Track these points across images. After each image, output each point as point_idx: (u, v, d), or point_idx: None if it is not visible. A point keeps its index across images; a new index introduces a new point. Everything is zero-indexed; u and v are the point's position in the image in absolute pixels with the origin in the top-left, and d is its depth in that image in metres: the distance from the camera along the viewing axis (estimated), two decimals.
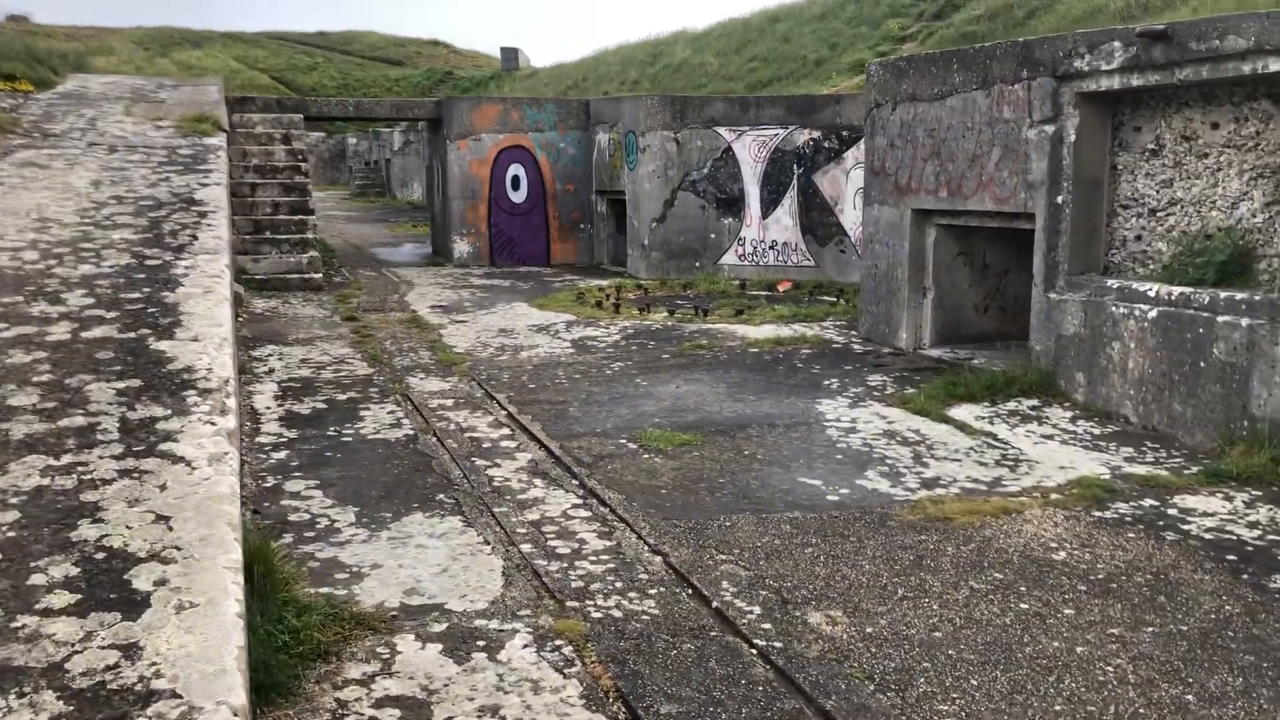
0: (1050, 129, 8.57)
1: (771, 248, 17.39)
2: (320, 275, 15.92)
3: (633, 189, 17.84)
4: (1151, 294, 7.67)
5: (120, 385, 4.77)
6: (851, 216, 16.66)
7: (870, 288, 11.09)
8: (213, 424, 4.50)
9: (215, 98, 12.78)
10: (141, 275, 6.34)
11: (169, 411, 4.59)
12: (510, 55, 58.31)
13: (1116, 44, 7.88)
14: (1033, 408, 8.34)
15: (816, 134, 16.98)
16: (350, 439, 7.56)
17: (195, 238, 7.18)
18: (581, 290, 15.32)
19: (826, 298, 15.06)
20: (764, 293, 15.74)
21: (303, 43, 65.06)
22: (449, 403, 8.70)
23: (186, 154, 9.79)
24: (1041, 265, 8.73)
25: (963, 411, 8.22)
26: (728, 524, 5.80)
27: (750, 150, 17.32)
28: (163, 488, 3.85)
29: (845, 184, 16.73)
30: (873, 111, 10.93)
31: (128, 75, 16.15)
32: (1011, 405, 8.40)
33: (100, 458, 4.11)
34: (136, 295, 5.94)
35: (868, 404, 8.53)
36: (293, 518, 5.90)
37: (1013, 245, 10.52)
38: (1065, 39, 8.42)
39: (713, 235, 17.54)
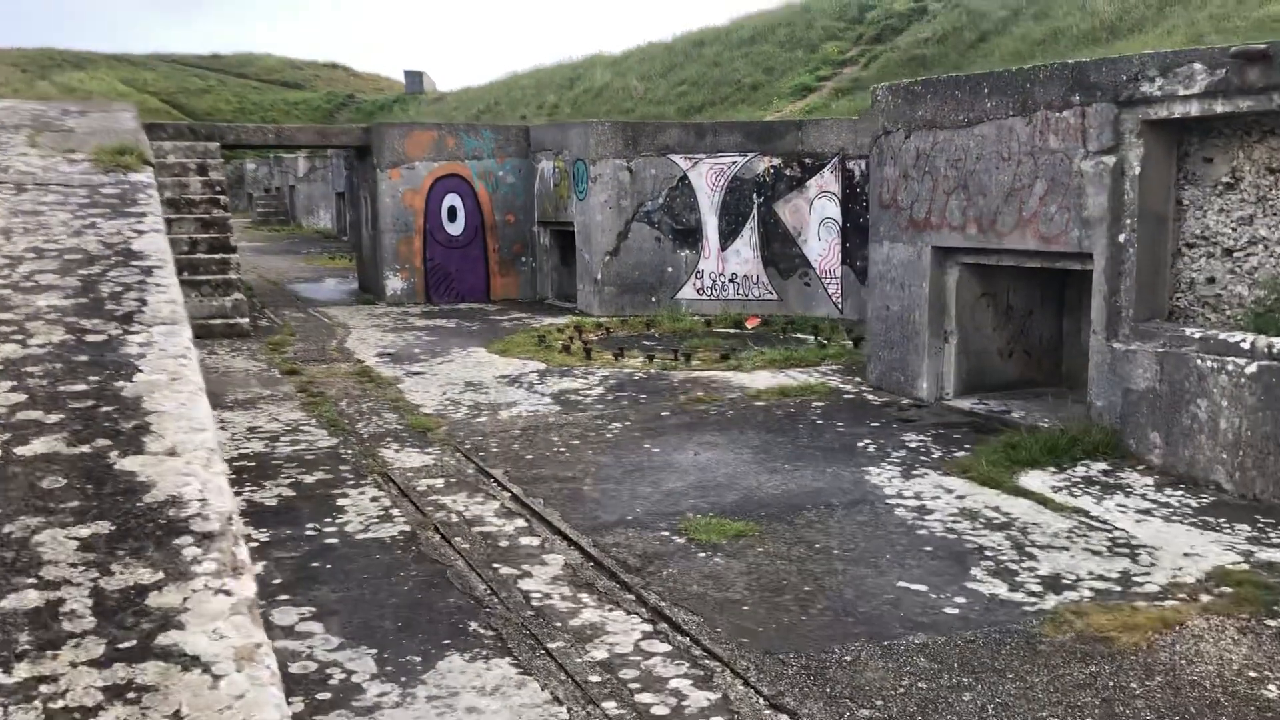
0: (1110, 160, 7.71)
1: (731, 281, 16.40)
2: (247, 320, 14.39)
3: (583, 220, 16.69)
4: (1247, 346, 6.82)
5: (84, 533, 3.43)
6: (816, 248, 15.79)
7: (880, 331, 10.13)
8: (227, 592, 3.20)
9: (132, 125, 11.25)
10: (83, 357, 4.96)
11: (160, 574, 3.27)
12: (415, 79, 56.77)
13: (1198, 66, 7.04)
14: (1105, 473, 7.42)
15: (777, 161, 16.07)
16: (335, 540, 6.25)
17: (143, 302, 5.80)
18: (539, 331, 14.09)
19: (800, 335, 14.10)
20: (732, 330, 14.72)
21: (195, 65, 62.45)
22: (439, 483, 7.42)
23: (111, 193, 8.33)
24: (1103, 311, 7.85)
25: (1033, 480, 7.26)
26: (848, 658, 4.68)
27: (707, 179, 16.33)
28: None
29: (809, 213, 15.85)
30: (880, 139, 10.00)
31: (24, 99, 14.41)
32: (1081, 470, 7.47)
33: (74, 666, 2.80)
34: (82, 388, 4.57)
35: (922, 472, 7.51)
36: (295, 668, 4.60)
37: (1036, 284, 9.68)
38: (1129, 61, 7.57)
39: (669, 269, 16.48)
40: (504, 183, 18.41)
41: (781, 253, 16.13)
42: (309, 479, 7.50)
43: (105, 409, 4.39)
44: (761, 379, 10.79)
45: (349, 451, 8.26)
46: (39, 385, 4.57)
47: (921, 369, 9.64)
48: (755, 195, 16.21)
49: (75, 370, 4.78)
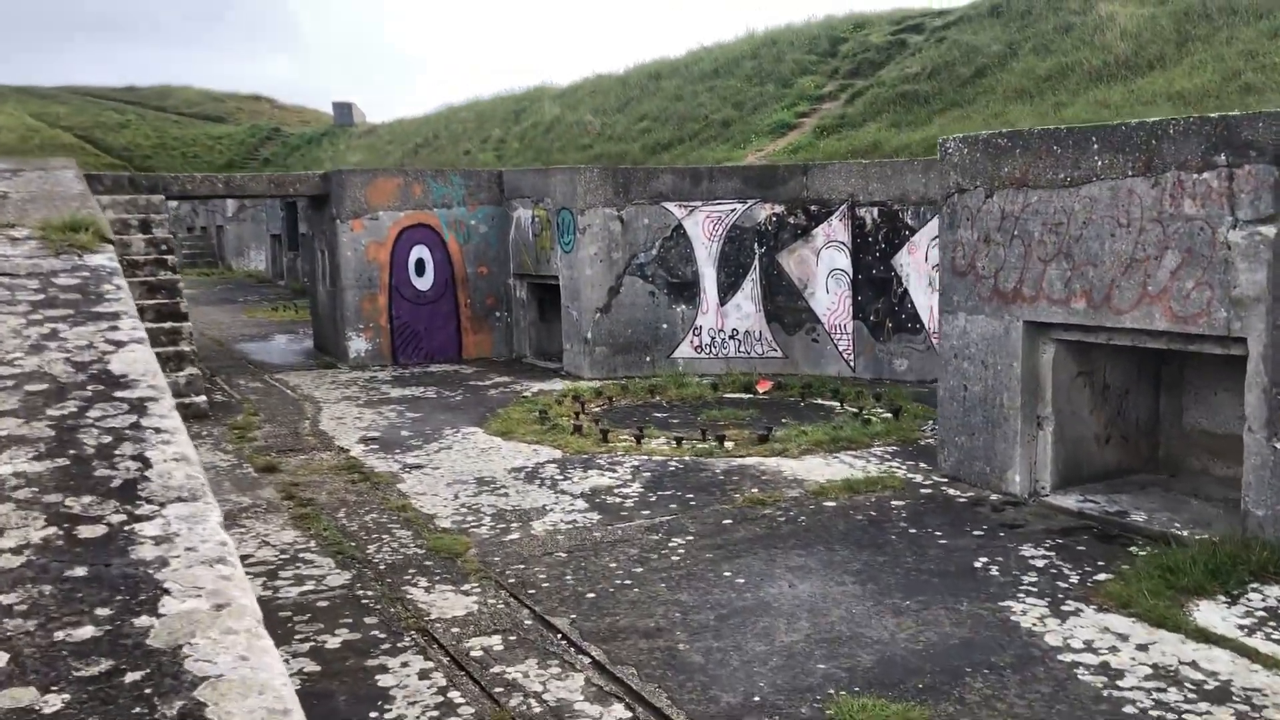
0: (1269, 231, 6.62)
1: (732, 337, 15.18)
2: (204, 399, 12.75)
3: (570, 274, 15.34)
4: None
5: None
6: (824, 301, 14.65)
7: (957, 414, 8.94)
8: None
9: (78, 189, 9.63)
10: (80, 571, 3.49)
11: None
12: (344, 110, 54.96)
13: None
14: None
15: (779, 209, 14.92)
16: None
17: (145, 462, 4.34)
18: (536, 404, 12.68)
19: (822, 401, 12.90)
20: (743, 394, 13.47)
21: (110, 98, 59.83)
22: (495, 643, 6.00)
23: (69, 284, 6.79)
24: (1262, 406, 6.74)
25: (1211, 616, 6.09)
26: None
27: (704, 228, 15.12)
28: None
29: (816, 264, 14.71)
30: (954, 198, 8.84)
31: None
32: (1257, 599, 6.33)
33: None
34: (89, 633, 3.10)
35: (1073, 606, 6.30)
36: None
37: (1133, 360, 8.59)
38: None
39: (664, 325, 15.21)
40: (476, 232, 17.00)
41: (786, 306, 14.96)
42: (332, 642, 6.03)
43: (129, 678, 2.92)
44: (815, 468, 9.53)
45: (369, 593, 6.80)
46: (25, 640, 3.10)
47: (1013, 459, 8.46)
48: (756, 245, 15.04)
49: (72, 599, 3.28)
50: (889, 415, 11.53)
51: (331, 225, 16.33)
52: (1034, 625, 6.06)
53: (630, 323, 15.11)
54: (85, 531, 3.80)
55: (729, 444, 10.42)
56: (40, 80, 71.36)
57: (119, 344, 5.78)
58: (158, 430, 4.68)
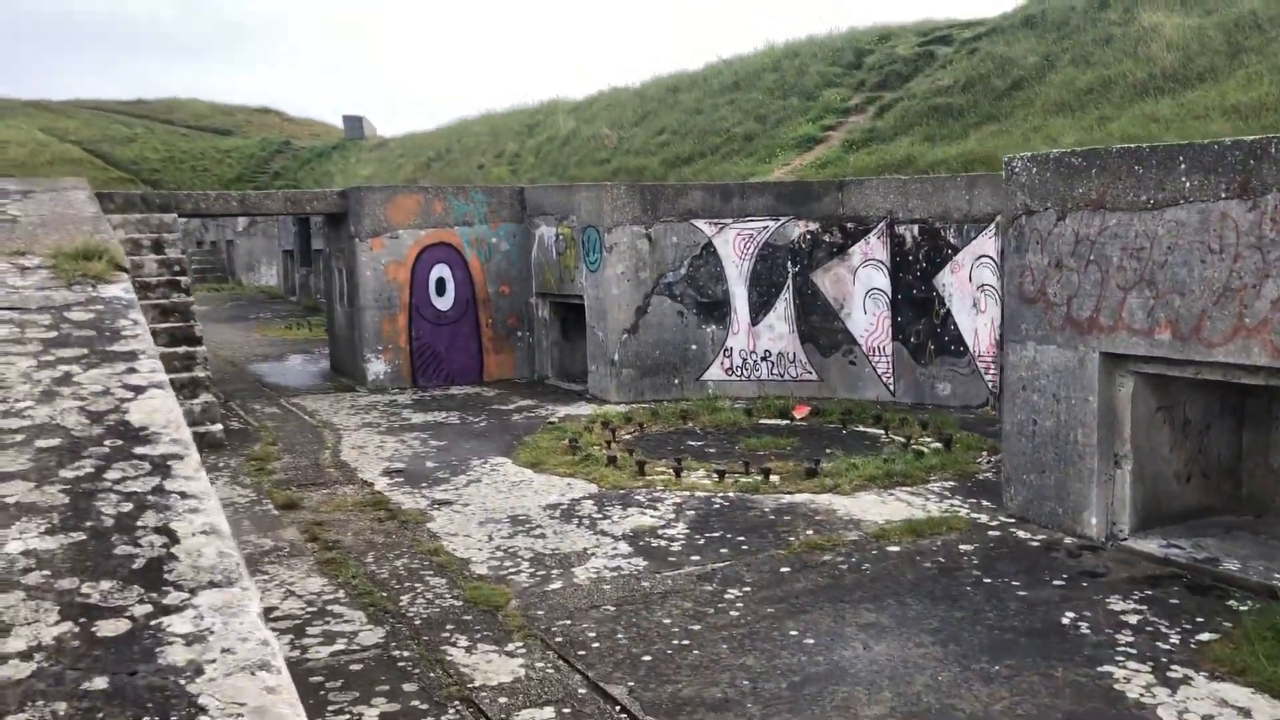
0: None
1: (764, 359, 14.64)
2: (220, 427, 12.24)
3: (596, 294, 14.82)
4: None
5: None
6: (861, 321, 14.10)
7: (1026, 450, 8.38)
8: None
9: (91, 211, 9.13)
10: (100, 683, 2.95)
11: None
12: (354, 124, 54.68)
13: None
14: None
15: (814, 226, 14.40)
16: None
17: (171, 537, 3.81)
18: (565, 431, 12.14)
19: (865, 429, 12.34)
20: (780, 420, 12.92)
21: (119, 111, 59.54)
22: (549, 717, 5.46)
23: (83, 319, 6.27)
24: None
25: None
26: None
27: (735, 246, 14.59)
28: None
29: (852, 284, 14.17)
30: (1021, 220, 8.30)
31: None
32: None
33: None
34: None
35: (1182, 673, 5.73)
36: None
37: (1215, 393, 8.03)
38: None
39: (693, 346, 14.67)
40: (497, 250, 16.49)
41: (821, 327, 14.42)
42: (369, 715, 5.49)
43: None
44: (871, 506, 8.97)
45: (406, 654, 6.25)
46: None
47: (1089, 500, 7.90)
48: (790, 264, 14.51)
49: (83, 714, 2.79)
50: (939, 445, 10.98)
51: (350, 244, 15.83)
52: (1141, 695, 5.50)
53: (658, 344, 14.57)
54: (105, 628, 3.27)
55: (774, 478, 9.87)
56: (49, 94, 71.05)
57: (137, 389, 5.27)
58: (183, 495, 4.17)
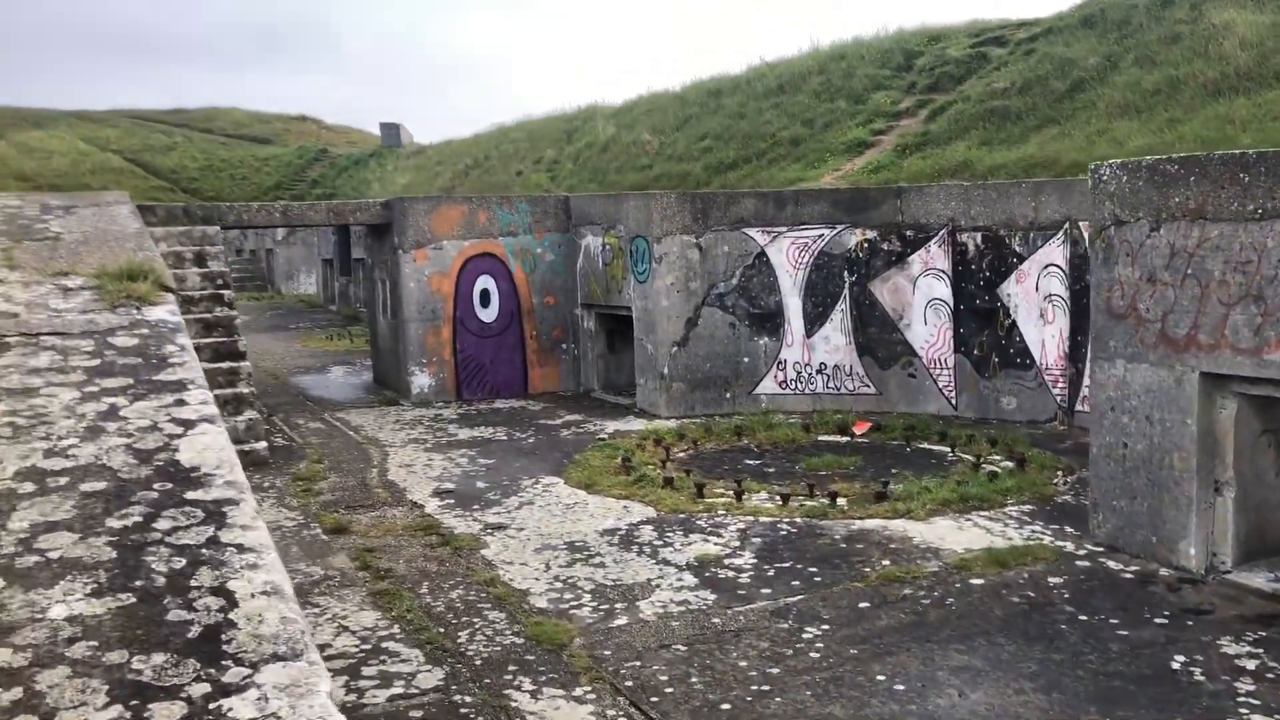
0: None
1: (820, 372, 14.18)
2: (264, 445, 11.95)
3: (644, 305, 14.42)
4: None
5: None
6: (921, 333, 13.62)
7: (1115, 475, 7.89)
8: None
9: (134, 227, 8.84)
10: None
11: None
12: (391, 131, 54.70)
13: None
14: None
15: (872, 234, 13.93)
16: None
17: (230, 599, 3.46)
18: (616, 447, 11.75)
19: (929, 446, 11.86)
20: (839, 437, 12.47)
21: (159, 121, 59.94)
22: None
23: (128, 345, 5.95)
24: None
25: None
26: None
27: (789, 255, 14.15)
28: None
29: (912, 293, 13.69)
30: (1109, 231, 7.82)
31: None
32: None
33: None
34: None
35: None
36: None
37: None
38: None
39: (745, 359, 14.24)
40: (542, 261, 16.14)
41: (879, 339, 13.95)
42: None
43: None
44: (948, 533, 8.51)
45: (468, 699, 5.87)
46: None
47: (1186, 529, 7.40)
48: (846, 273, 14.05)
49: None
50: (1011, 465, 10.49)
51: (393, 255, 15.54)
52: None
53: (709, 356, 14.15)
54: (160, 712, 2.94)
55: (841, 501, 9.43)
56: (90, 104, 71.64)
57: (187, 424, 4.94)
58: (240, 548, 3.83)
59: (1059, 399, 12.60)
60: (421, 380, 15.52)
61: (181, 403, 5.18)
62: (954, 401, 13.51)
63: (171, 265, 13.31)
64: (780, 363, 14.24)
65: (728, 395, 14.21)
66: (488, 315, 15.87)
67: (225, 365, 12.44)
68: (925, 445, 11.94)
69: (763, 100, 25.03)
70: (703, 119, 26.83)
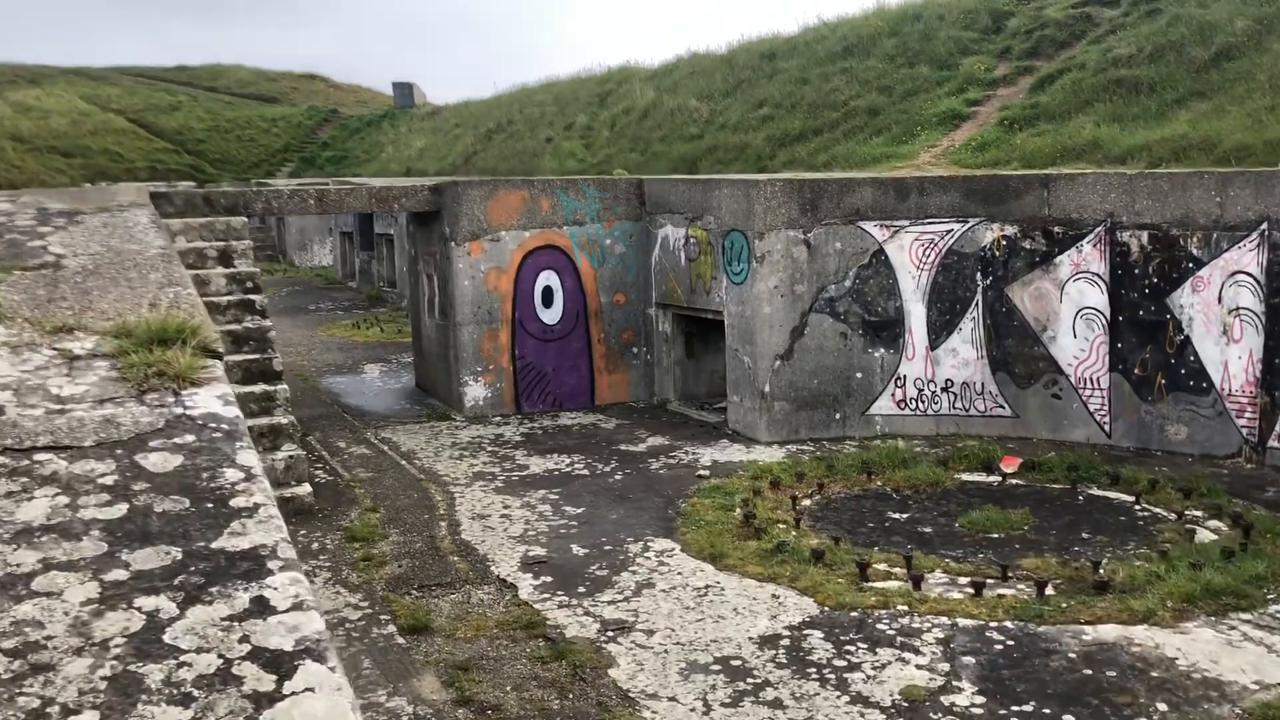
0: None
1: (945, 390, 12.20)
2: (308, 490, 9.99)
3: (740, 311, 12.40)
4: None
5: None
6: (1070, 347, 11.62)
7: None
8: None
9: (157, 244, 6.74)
10: None
11: None
12: (405, 91, 52.40)
13: None
14: None
15: (1011, 230, 11.89)
16: None
17: None
18: (729, 494, 9.80)
19: (1105, 493, 9.90)
20: (983, 476, 10.51)
21: (161, 79, 57.50)
22: None
23: (166, 471, 3.90)
24: None
25: None
26: None
27: (911, 253, 12.12)
28: None
29: (1059, 301, 11.67)
30: None
31: None
32: None
33: None
34: None
35: None
36: None
37: None
38: None
39: (858, 374, 12.25)
40: (612, 253, 14.11)
41: (1017, 353, 11.94)
42: None
43: None
44: (1218, 651, 6.54)
45: None
46: None
47: None
48: (980, 275, 12.03)
49: None
50: (1223, 525, 8.54)
51: (444, 248, 13.49)
52: None
53: (816, 371, 12.16)
54: None
55: (1050, 590, 7.47)
56: (90, 61, 68.91)
57: (278, 665, 2.94)
58: None
59: (1245, 432, 10.63)
60: (476, 391, 13.54)
61: (263, 608, 3.18)
62: (1107, 428, 11.53)
63: (192, 264, 11.29)
64: (899, 379, 12.24)
65: (837, 417, 12.23)
66: (550, 316, 13.86)
67: (258, 388, 10.46)
68: (1097, 490, 9.98)
69: (826, 64, 22.85)
70: (757, 84, 24.64)
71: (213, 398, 4.67)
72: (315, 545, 8.93)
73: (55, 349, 5.03)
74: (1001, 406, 12.05)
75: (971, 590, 7.51)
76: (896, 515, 9.48)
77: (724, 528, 9.00)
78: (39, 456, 4.08)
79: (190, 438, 4.31)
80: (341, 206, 13.25)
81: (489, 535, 9.09)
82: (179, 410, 4.52)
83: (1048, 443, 11.61)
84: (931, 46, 20.46)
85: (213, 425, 4.41)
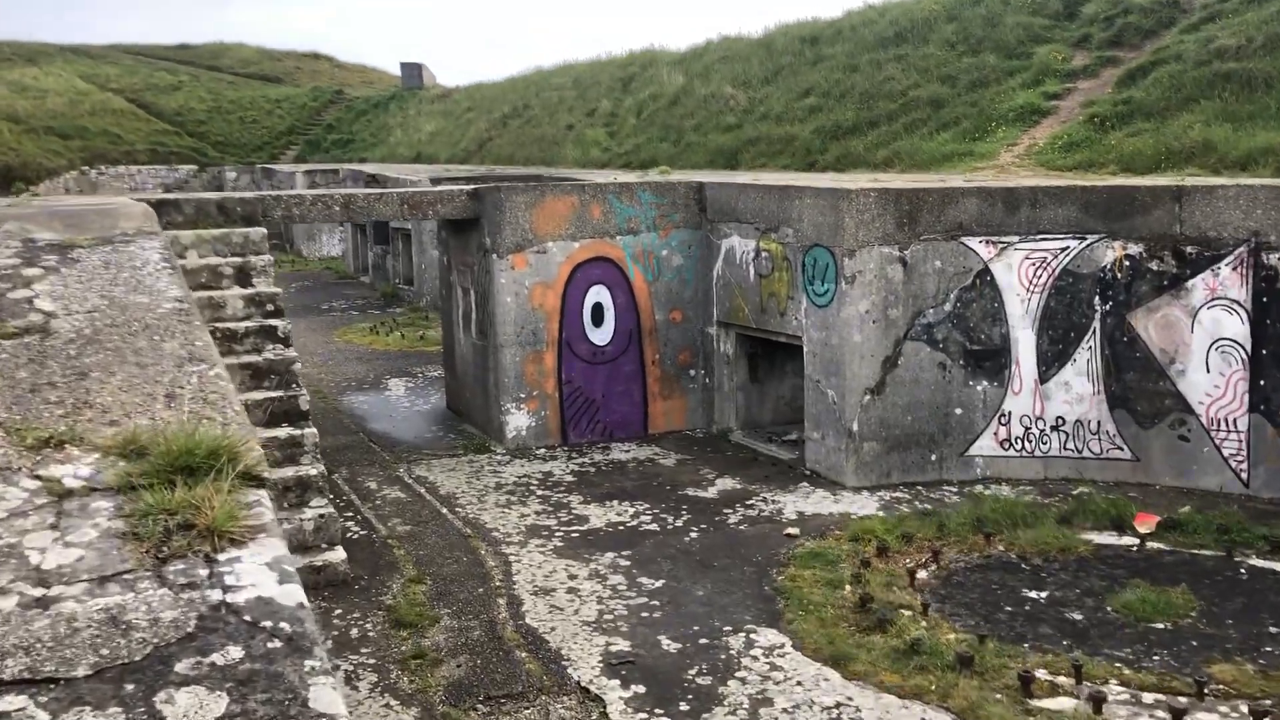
0: None
1: (1055, 428, 10.78)
2: (342, 556, 8.57)
3: (824, 338, 10.96)
4: None
5: None
6: (1202, 383, 10.19)
7: None
8: None
9: (172, 295, 5.28)
10: None
11: None
12: (413, 72, 50.75)
13: None
14: None
15: (1135, 249, 10.45)
16: None
17: None
18: (832, 561, 8.40)
19: (1258, 559, 8.50)
20: (1113, 537, 9.10)
21: (162, 58, 55.80)
22: None
23: (207, 705, 2.50)
24: None
25: None
26: None
27: (1021, 274, 10.68)
28: None
29: (1190, 331, 10.24)
30: None
31: None
32: None
33: None
34: None
35: None
36: None
37: None
38: None
39: (958, 410, 10.82)
40: (668, 266, 12.66)
41: (1140, 388, 10.51)
42: None
43: None
44: None
45: None
46: None
47: None
48: (1098, 300, 10.59)
49: None
50: None
51: (484, 260, 12.04)
52: None
53: (910, 407, 10.73)
54: None
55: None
56: (90, 39, 67.06)
57: None
58: None
59: None
60: (519, 420, 12.11)
61: None
62: (1245, 476, 10.12)
63: (205, 284, 9.86)
64: (1003, 415, 10.82)
65: (933, 458, 10.81)
66: (600, 336, 12.42)
67: (283, 433, 9.04)
68: (1256, 560, 8.57)
69: (878, 51, 21.28)
70: (800, 71, 23.09)
71: (262, 567, 3.24)
72: (355, 632, 7.53)
73: (39, 478, 3.59)
74: (1120, 448, 10.63)
75: (1167, 713, 6.10)
76: (1033, 594, 8.07)
77: (837, 613, 7.60)
78: (5, 698, 2.67)
79: (236, 652, 2.89)
80: (369, 212, 11.76)
81: (558, 620, 7.68)
82: (216, 595, 3.09)
83: (1172, 490, 10.22)
84: (997, 33, 18.92)
85: (267, 625, 2.98)
